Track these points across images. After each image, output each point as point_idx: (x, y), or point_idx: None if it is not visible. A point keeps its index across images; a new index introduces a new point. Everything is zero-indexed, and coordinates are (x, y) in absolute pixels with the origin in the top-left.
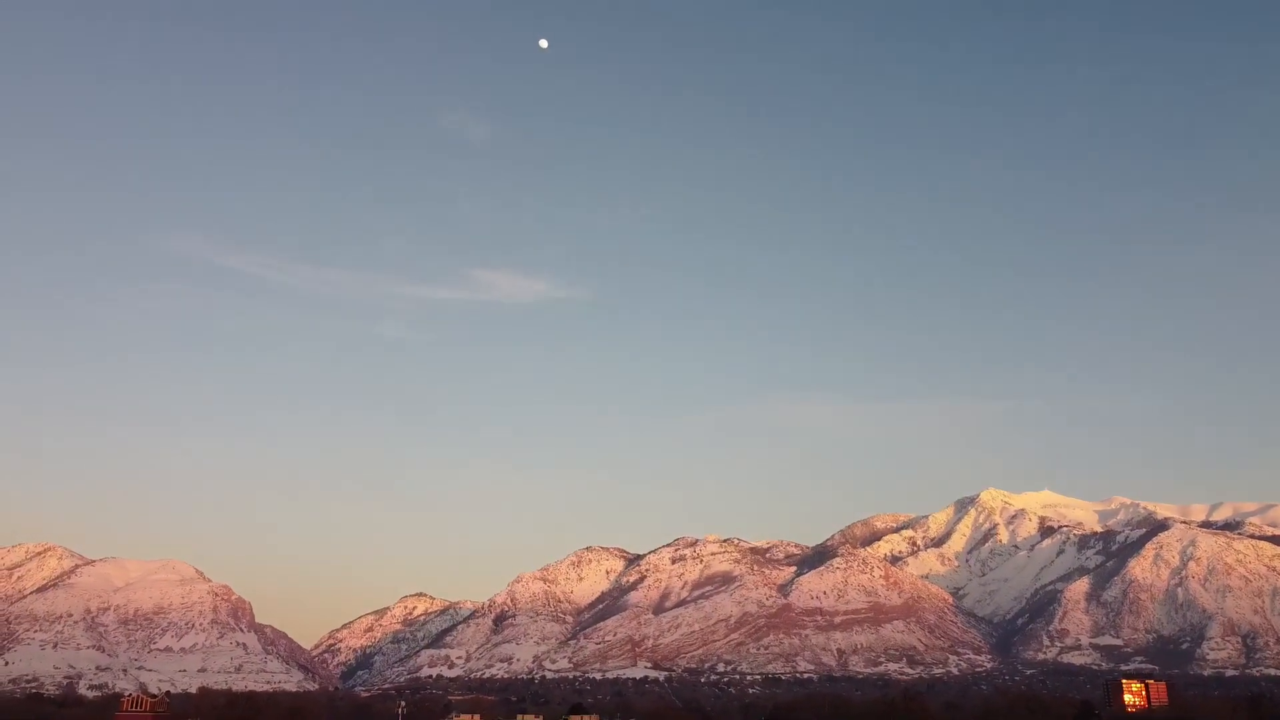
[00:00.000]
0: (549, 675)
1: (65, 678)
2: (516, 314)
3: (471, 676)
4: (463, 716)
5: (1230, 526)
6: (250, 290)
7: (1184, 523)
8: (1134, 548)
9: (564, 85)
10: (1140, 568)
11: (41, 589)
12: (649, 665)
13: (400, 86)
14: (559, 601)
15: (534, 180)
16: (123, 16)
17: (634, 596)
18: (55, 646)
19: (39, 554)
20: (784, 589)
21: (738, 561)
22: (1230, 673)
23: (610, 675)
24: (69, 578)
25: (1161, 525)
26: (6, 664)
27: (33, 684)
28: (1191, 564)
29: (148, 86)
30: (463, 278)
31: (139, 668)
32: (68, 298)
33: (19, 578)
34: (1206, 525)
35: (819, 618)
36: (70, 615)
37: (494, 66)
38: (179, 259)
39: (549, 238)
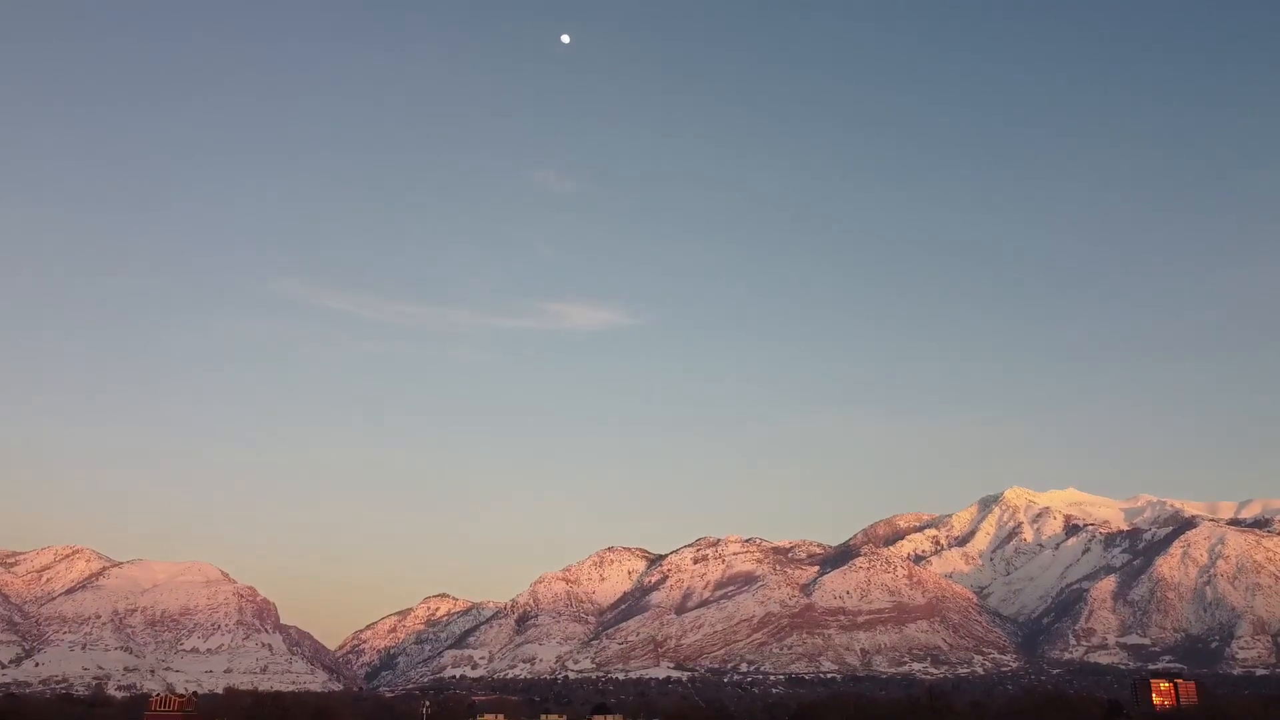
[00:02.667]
0: (572, 675)
1: (94, 678)
2: (578, 339)
3: (495, 677)
4: (486, 717)
5: (1260, 524)
6: (325, 320)
7: (1212, 520)
8: (1161, 546)
9: (633, 135)
10: (1168, 566)
11: (70, 591)
12: (671, 665)
13: (490, 143)
14: (581, 602)
15: (606, 225)
16: (229, 67)
17: (656, 596)
18: (84, 648)
19: (68, 556)
20: (807, 589)
21: (760, 561)
22: (1260, 672)
23: (633, 675)
24: (97, 580)
25: (1189, 523)
26: (37, 665)
27: (62, 684)
28: (1220, 562)
29: (259, 131)
30: (537, 310)
31: (166, 668)
32: (158, 325)
33: (48, 580)
34: (1235, 523)
35: (842, 617)
36: (99, 617)
37: (577, 125)
38: (280, 298)
39: (621, 273)
